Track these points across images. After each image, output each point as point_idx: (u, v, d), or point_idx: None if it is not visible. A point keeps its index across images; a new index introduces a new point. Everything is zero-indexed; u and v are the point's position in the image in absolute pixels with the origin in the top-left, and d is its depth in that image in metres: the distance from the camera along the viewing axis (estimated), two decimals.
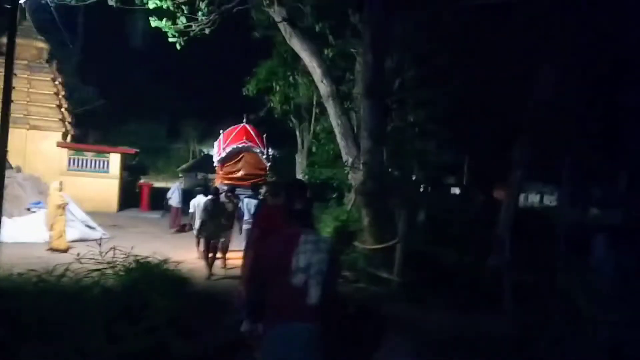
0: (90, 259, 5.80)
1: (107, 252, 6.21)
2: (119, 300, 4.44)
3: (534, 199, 32.24)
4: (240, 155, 15.93)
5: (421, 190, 18.12)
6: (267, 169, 16.90)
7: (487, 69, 11.44)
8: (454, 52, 11.88)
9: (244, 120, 17.08)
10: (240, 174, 15.22)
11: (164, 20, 11.76)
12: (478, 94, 12.04)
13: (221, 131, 16.99)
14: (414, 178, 15.76)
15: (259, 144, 16.32)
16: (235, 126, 16.81)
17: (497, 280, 9.76)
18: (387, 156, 12.04)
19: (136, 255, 6.53)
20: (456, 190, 31.67)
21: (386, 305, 8.83)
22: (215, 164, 16.98)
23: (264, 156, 16.40)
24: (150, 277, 5.72)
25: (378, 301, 9.17)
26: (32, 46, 21.30)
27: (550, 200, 29.59)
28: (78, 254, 6.40)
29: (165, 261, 6.75)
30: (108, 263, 5.86)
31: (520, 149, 9.53)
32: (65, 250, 11.90)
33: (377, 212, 10.92)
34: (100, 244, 6.46)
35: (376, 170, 10.74)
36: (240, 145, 15.95)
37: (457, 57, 11.79)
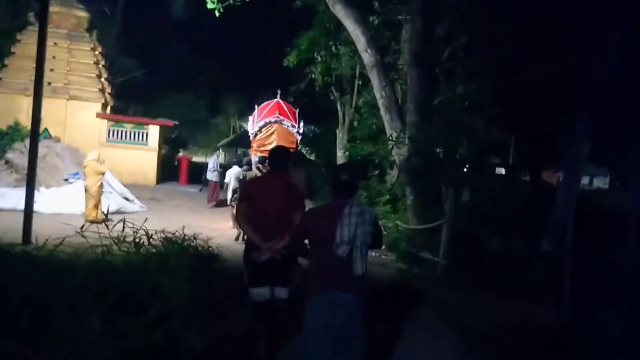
0: (97, 232, 5.20)
1: (114, 226, 5.65)
2: (123, 284, 3.79)
3: (583, 181, 30.79)
4: (272, 129, 16.61)
5: (465, 169, 17.34)
6: (298, 142, 17.73)
7: (544, 37, 10.48)
8: (507, 18, 10.96)
9: (278, 95, 17.64)
10: (271, 146, 15.23)
11: None
12: (532, 65, 11.10)
13: (256, 106, 17.67)
14: (457, 156, 14.97)
15: (291, 119, 16.86)
16: (270, 101, 17.50)
17: (551, 267, 9.09)
18: (434, 131, 11.32)
19: (159, 231, 5.99)
20: (501, 171, 30.52)
21: (430, 289, 8.36)
22: (250, 137, 17.58)
23: (295, 130, 17.01)
24: (165, 254, 5.10)
25: (422, 284, 8.64)
26: (72, 15, 21.11)
27: (603, 183, 28.16)
28: (108, 225, 5.95)
29: (193, 236, 6.18)
30: (117, 238, 5.30)
31: (586, 122, 8.65)
32: (101, 222, 11.68)
33: (422, 190, 10.28)
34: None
35: (422, 145, 10.07)
36: (272, 120, 16.64)
37: (511, 24, 10.85)
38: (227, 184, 13.30)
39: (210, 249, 6.45)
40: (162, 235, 5.87)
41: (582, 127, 8.63)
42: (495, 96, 12.52)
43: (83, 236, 4.98)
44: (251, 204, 4.40)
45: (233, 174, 13.02)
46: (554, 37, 9.96)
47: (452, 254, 9.14)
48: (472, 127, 13.18)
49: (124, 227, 5.75)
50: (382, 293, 6.86)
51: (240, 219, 4.59)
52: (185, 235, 6.14)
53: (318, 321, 3.46)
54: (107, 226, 5.47)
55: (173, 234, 6.09)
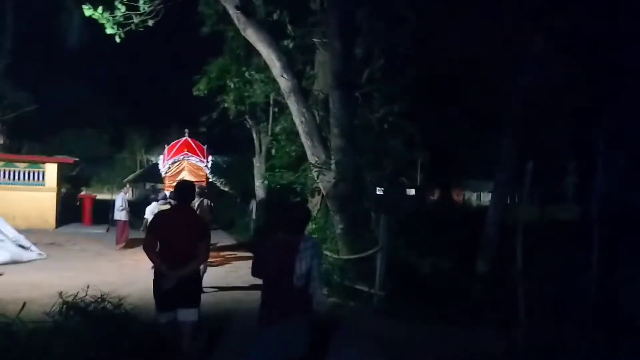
0: None
1: None
2: None
3: (487, 197, 31.93)
4: (182, 166, 17.84)
5: (381, 192, 17.25)
6: (207, 176, 18.93)
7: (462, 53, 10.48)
8: (424, 37, 10.89)
9: (186, 134, 18.64)
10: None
11: (100, 8, 10.30)
12: (451, 83, 11.09)
13: (166, 145, 18.83)
14: (375, 179, 14.73)
15: (199, 155, 18.04)
16: (178, 140, 18.74)
17: (490, 289, 8.86)
18: (358, 155, 10.89)
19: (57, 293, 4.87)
20: (410, 192, 30.89)
21: (369, 322, 7.82)
22: (163, 175, 18.37)
23: (204, 164, 18.08)
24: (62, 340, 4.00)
25: (359, 318, 8.07)
26: None
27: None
28: None
29: (101, 297, 5.12)
30: None
31: (510, 142, 8.54)
32: None
33: (352, 217, 9.76)
34: None
35: (350, 170, 9.58)
36: (180, 157, 17.86)
37: (427, 43, 10.78)
38: (147, 220, 12.42)
39: (124, 310, 5.33)
40: (61, 300, 4.80)
41: (507, 146, 8.51)
42: (412, 117, 12.43)
43: None
44: (158, 235, 4.74)
45: (150, 210, 12.57)
46: (472, 54, 9.93)
47: (388, 284, 8.65)
48: (391, 148, 12.96)
49: None
50: (317, 330, 6.22)
51: (147, 249, 4.76)
52: (89, 298, 5.06)
53: (275, 345, 3.81)
54: None
55: (75, 296, 5.02)
